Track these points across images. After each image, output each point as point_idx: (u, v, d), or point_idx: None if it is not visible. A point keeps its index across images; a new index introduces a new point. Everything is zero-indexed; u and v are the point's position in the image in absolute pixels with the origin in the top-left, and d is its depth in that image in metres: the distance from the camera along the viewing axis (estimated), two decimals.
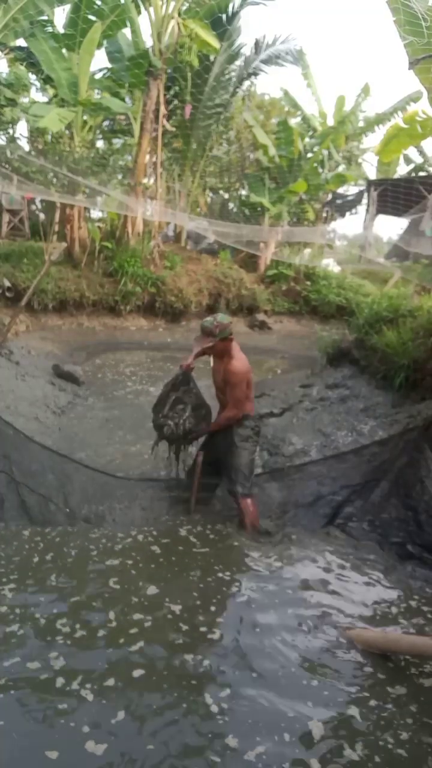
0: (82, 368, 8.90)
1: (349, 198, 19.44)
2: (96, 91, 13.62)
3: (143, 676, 2.37)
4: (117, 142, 16.01)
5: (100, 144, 15.29)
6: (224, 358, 3.78)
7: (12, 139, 13.93)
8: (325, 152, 16.50)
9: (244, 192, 18.59)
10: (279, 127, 16.13)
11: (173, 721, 2.16)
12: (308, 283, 15.00)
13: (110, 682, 2.32)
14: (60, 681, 2.30)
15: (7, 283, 10.63)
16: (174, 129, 13.86)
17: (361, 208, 18.25)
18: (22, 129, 15.23)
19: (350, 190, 19.69)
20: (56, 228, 12.39)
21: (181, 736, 2.10)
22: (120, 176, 13.90)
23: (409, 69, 3.77)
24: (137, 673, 2.38)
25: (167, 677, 2.38)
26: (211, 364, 3.91)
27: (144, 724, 2.13)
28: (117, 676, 2.36)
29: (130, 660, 2.47)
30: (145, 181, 13.22)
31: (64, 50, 11.85)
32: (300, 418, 6.21)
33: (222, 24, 12.98)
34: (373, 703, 2.31)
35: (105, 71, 13.65)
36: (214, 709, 2.22)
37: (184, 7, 12.55)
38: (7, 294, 10.55)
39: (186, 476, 4.09)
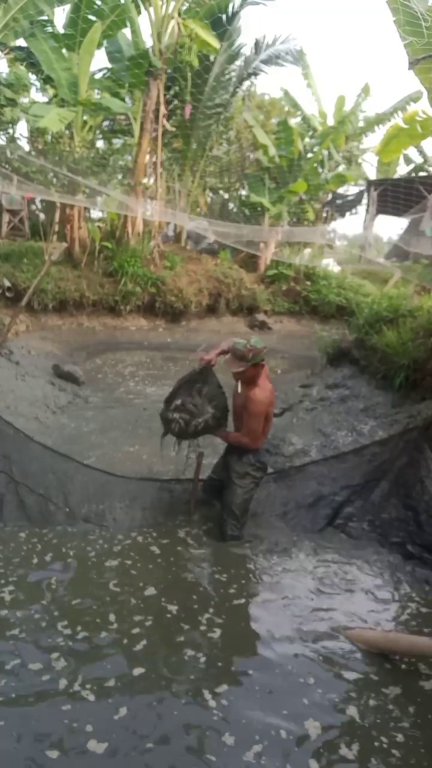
0: (82, 368, 8.90)
1: (349, 198, 19.43)
2: (96, 91, 13.61)
3: (143, 675, 2.37)
4: (117, 142, 16.00)
5: (100, 144, 15.28)
6: (249, 385, 3.50)
7: (12, 139, 13.92)
8: (325, 152, 16.49)
9: (244, 192, 18.58)
10: (279, 127, 16.12)
11: (172, 720, 2.16)
12: (308, 283, 15.00)
13: (111, 682, 2.33)
14: (62, 682, 2.31)
15: (7, 283, 10.62)
16: (174, 129, 13.85)
17: (361, 208, 18.23)
18: (22, 129, 15.27)
19: (350, 190, 19.68)
20: (56, 228, 12.38)
21: (180, 734, 2.10)
22: (120, 176, 13.90)
23: (409, 69, 3.77)
24: (137, 671, 2.39)
25: (167, 676, 2.39)
26: (239, 389, 3.56)
27: (144, 723, 2.14)
28: (118, 675, 2.37)
29: (131, 659, 2.47)
30: (145, 181, 13.21)
31: (64, 50, 11.85)
32: (300, 418, 6.21)
33: (222, 24, 12.97)
34: (371, 703, 2.31)
35: (105, 71, 13.65)
36: (213, 706, 2.23)
37: (184, 7, 12.54)
38: (7, 294, 10.54)
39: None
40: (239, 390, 3.53)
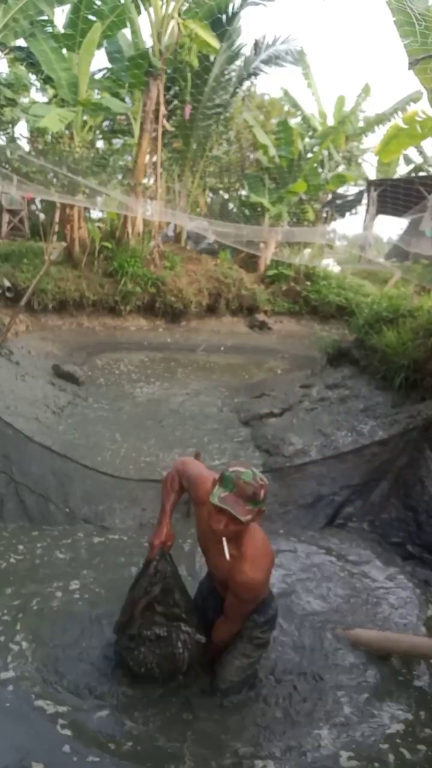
0: (82, 368, 8.90)
1: (349, 198, 19.45)
2: (96, 91, 13.62)
3: (138, 684, 2.36)
4: (117, 142, 16.01)
5: (100, 144, 15.29)
6: (237, 542, 2.09)
7: (12, 139, 13.93)
8: (325, 152, 16.49)
9: (244, 192, 18.57)
10: (279, 127, 16.11)
11: (169, 722, 2.16)
12: (308, 283, 15.00)
13: (105, 686, 2.32)
14: (58, 686, 2.30)
15: (7, 283, 10.62)
16: (174, 129, 13.85)
17: (361, 209, 18.27)
18: (22, 129, 15.26)
19: (350, 190, 19.70)
20: (56, 228, 12.39)
21: (179, 723, 2.10)
22: (120, 176, 13.90)
23: (408, 69, 3.79)
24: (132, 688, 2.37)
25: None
26: (225, 548, 2.07)
27: (144, 727, 2.14)
28: (115, 675, 2.36)
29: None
30: (145, 181, 13.21)
31: (64, 50, 11.83)
32: (300, 418, 6.21)
33: (222, 24, 12.96)
34: (369, 703, 2.31)
35: (105, 71, 13.65)
36: (211, 705, 2.23)
37: (184, 8, 12.54)
38: (7, 294, 10.54)
39: None
40: (225, 549, 2.07)
